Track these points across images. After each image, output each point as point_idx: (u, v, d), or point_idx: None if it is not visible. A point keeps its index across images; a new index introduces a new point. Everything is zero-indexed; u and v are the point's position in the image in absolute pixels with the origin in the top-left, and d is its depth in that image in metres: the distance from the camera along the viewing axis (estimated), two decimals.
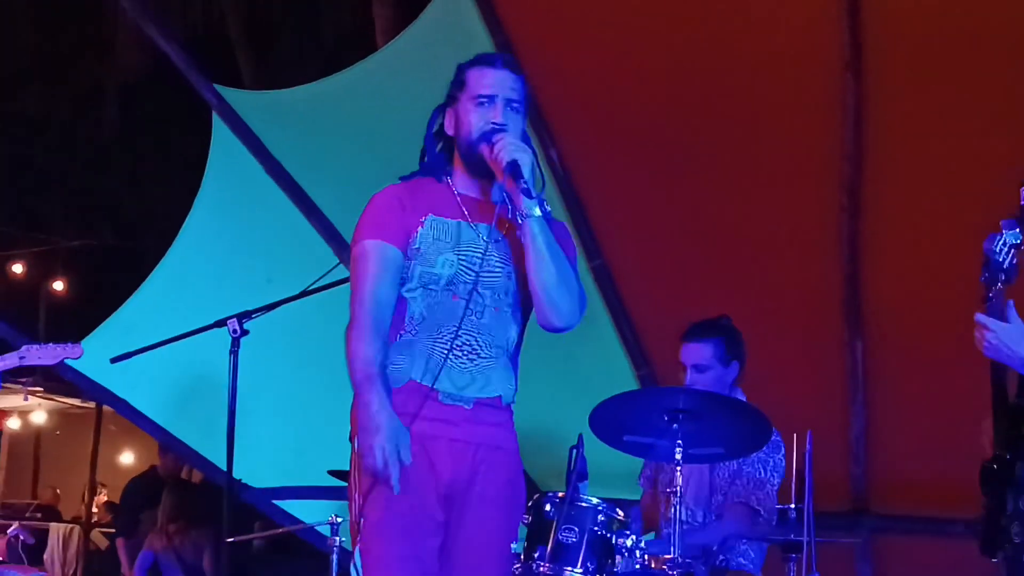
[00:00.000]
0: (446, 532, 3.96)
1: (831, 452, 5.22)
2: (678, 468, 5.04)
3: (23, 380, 15.94)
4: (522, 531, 5.23)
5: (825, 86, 7.24)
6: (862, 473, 7.75)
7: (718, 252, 7.87)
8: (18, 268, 20.70)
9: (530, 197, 3.89)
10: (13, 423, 22.00)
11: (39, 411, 20.99)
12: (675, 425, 5.07)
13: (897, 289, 7.40)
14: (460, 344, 3.97)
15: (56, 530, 16.50)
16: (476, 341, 3.99)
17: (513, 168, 3.88)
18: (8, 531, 14.96)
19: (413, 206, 4.05)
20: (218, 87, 8.88)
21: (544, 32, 7.98)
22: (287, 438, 8.66)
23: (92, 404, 18.75)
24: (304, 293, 5.30)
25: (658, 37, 7.66)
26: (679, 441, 5.05)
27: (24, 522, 16.47)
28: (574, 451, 5.02)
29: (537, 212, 3.89)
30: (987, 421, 4.47)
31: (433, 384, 3.94)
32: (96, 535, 17.25)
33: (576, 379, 8.31)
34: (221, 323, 5.34)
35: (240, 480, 6.50)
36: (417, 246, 4.02)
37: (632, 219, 8.10)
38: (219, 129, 8.84)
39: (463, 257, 4.02)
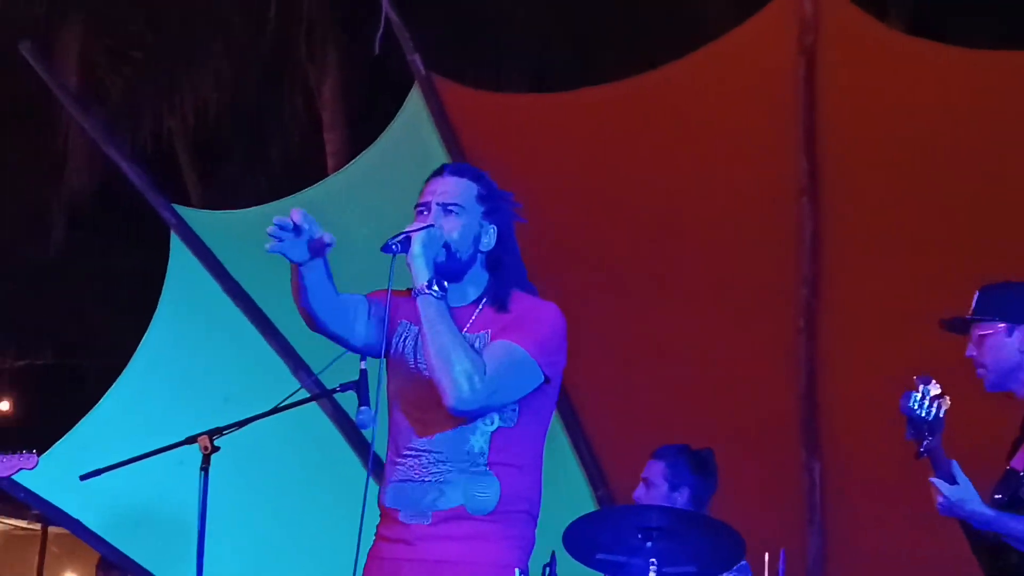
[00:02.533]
0: None
1: (788, 573, 5.27)
2: None
3: None
4: None
5: (783, 211, 7.39)
6: None
7: (676, 373, 7.93)
8: None
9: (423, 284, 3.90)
10: None
11: None
12: (648, 543, 5.11)
13: (854, 410, 7.49)
14: (414, 462, 3.98)
15: None
16: (428, 456, 3.96)
17: (401, 245, 3.91)
18: None
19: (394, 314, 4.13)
20: (176, 207, 8.93)
21: (504, 157, 8.07)
22: (241, 559, 8.60)
23: (37, 525, 18.55)
24: (276, 410, 5.27)
25: (618, 163, 7.79)
26: (652, 560, 5.09)
27: None
28: (547, 569, 5.05)
29: (425, 290, 3.88)
30: None
31: (390, 503, 3.99)
32: None
33: None
34: (192, 440, 5.28)
35: None
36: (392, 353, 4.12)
37: (590, 340, 8.08)
38: (176, 248, 8.87)
39: (409, 365, 4.07)
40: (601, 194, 7.85)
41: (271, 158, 17.99)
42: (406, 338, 4.12)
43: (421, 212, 4.08)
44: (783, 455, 7.74)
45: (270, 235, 3.91)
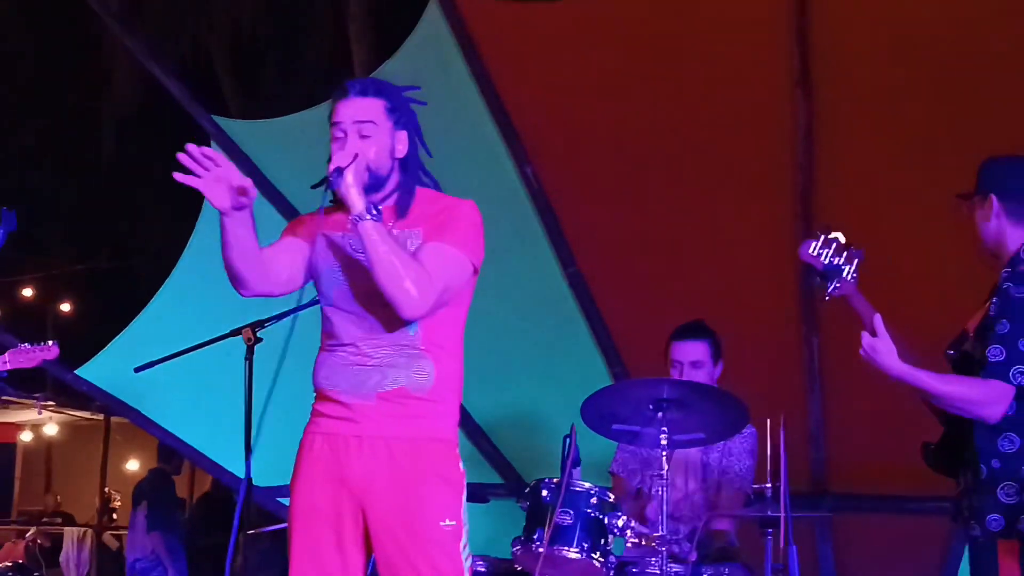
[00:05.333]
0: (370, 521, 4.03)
1: (792, 438, 5.29)
2: (664, 453, 5.14)
3: (36, 395, 15.92)
4: (520, 515, 5.32)
5: (778, 100, 7.35)
6: (821, 456, 7.84)
7: (682, 258, 7.94)
8: (27, 292, 20.82)
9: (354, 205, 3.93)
10: (26, 436, 22.04)
11: (51, 424, 21.04)
12: (660, 413, 5.18)
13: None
14: (353, 348, 4.06)
15: (70, 534, 16.50)
16: (368, 342, 4.04)
17: (334, 175, 3.94)
18: (27, 536, 14.99)
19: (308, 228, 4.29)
20: (215, 117, 8.92)
21: (517, 56, 8.05)
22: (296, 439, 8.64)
23: (100, 416, 18.75)
24: (313, 302, 5.32)
25: (619, 58, 7.76)
26: (664, 428, 5.16)
27: (41, 527, 16.54)
28: (567, 440, 5.10)
29: (365, 216, 3.90)
30: None
31: (328, 385, 4.09)
32: (108, 538, 17.32)
33: (555, 377, 8.38)
34: (236, 332, 5.37)
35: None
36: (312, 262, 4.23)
37: (602, 229, 8.16)
38: None
39: (338, 269, 4.16)
40: (608, 91, 7.81)
41: (304, 69, 17.96)
42: (328, 247, 4.20)
43: (336, 134, 4.08)
44: (785, 331, 7.75)
45: (182, 162, 3.95)
